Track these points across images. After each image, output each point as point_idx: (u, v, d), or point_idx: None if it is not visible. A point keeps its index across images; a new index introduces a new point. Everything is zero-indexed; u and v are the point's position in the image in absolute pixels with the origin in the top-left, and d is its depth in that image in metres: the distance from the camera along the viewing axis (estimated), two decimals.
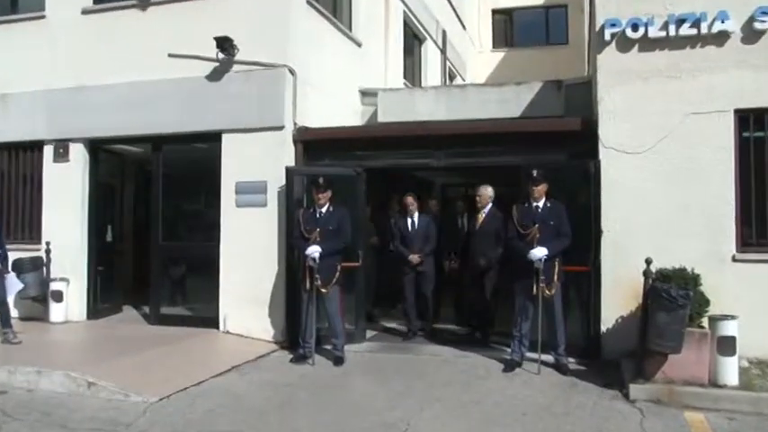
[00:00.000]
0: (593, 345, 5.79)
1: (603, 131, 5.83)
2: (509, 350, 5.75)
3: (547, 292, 5.37)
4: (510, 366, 5.59)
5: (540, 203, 5.52)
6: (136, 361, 5.70)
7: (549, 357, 5.62)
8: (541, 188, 5.50)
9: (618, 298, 5.62)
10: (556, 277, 5.41)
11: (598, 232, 5.79)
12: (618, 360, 5.45)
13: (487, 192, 6.45)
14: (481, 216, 6.47)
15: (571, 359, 5.67)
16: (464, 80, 13.73)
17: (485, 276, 6.45)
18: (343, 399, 4.97)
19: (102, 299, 7.81)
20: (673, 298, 4.51)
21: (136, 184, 9.68)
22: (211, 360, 6.03)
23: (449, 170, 7.61)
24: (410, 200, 6.82)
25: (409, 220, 6.77)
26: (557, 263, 5.40)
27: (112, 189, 8.34)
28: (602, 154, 5.82)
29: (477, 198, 6.45)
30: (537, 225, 5.43)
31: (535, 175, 5.47)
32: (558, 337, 5.51)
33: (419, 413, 4.56)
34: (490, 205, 6.43)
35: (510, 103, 7.42)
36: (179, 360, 5.89)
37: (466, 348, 6.30)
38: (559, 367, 5.50)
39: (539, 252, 5.36)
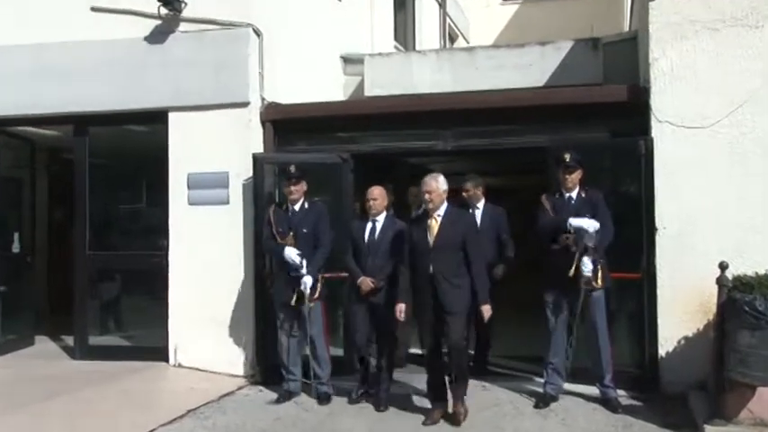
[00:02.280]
0: (648, 373, 5.71)
1: (657, 101, 5.76)
2: (541, 380, 5.64)
3: (595, 283, 5.21)
4: (544, 401, 5.49)
5: (574, 194, 5.45)
6: (57, 409, 5.50)
7: (591, 390, 5.51)
8: (576, 176, 5.43)
9: (680, 313, 5.56)
10: (600, 281, 5.27)
11: (651, 230, 5.72)
12: (683, 393, 5.39)
13: (479, 184, 6.30)
14: (477, 213, 6.30)
15: (621, 392, 5.57)
16: (467, 42, 13.68)
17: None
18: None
19: (7, 328, 7.50)
20: (760, 313, 4.39)
21: (50, 178, 9.40)
22: (160, 403, 5.90)
23: (459, 155, 7.45)
24: (376, 192, 5.68)
25: (369, 225, 5.75)
26: (601, 263, 5.28)
27: (19, 184, 8.07)
28: (656, 130, 5.76)
29: (466, 193, 6.25)
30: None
31: (568, 159, 5.39)
32: (603, 364, 5.41)
33: None
34: (483, 201, 6.30)
35: (532, 69, 7.35)
36: (116, 404, 5.71)
37: (480, 378, 6.17)
38: (608, 402, 5.39)
39: (584, 222, 5.20)
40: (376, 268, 5.53)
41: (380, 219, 5.68)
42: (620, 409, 5.30)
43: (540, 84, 7.34)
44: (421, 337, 5.37)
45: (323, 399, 5.72)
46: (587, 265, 5.19)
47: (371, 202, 5.60)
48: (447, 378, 5.24)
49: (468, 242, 5.07)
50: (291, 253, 5.63)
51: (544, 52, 7.48)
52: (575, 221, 5.26)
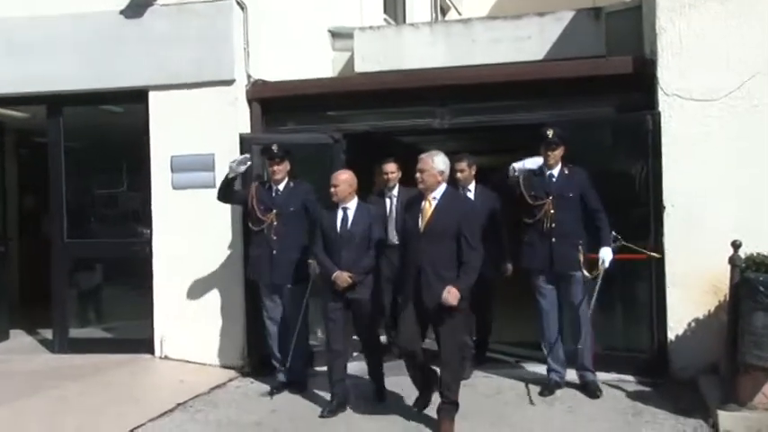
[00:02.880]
0: (657, 358, 5.75)
1: (665, 73, 5.74)
2: (544, 367, 5.69)
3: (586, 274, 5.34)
4: (548, 389, 5.53)
5: (555, 171, 5.50)
6: (38, 405, 5.47)
7: (599, 376, 5.56)
8: (558, 152, 5.47)
9: (690, 295, 5.56)
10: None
11: (659, 209, 5.73)
12: (694, 378, 5.42)
13: (473, 163, 6.03)
14: (469, 196, 5.99)
15: (629, 377, 5.66)
16: (459, 14, 13.59)
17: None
18: None
19: None
20: None
21: (19, 163, 9.28)
22: (147, 396, 5.86)
23: (455, 132, 7.43)
24: (341, 177, 5.30)
25: (339, 213, 5.34)
26: (580, 246, 5.38)
27: None
28: (663, 103, 5.74)
29: (460, 173, 5.95)
30: (551, 198, 5.42)
31: (550, 135, 5.43)
32: (585, 347, 5.48)
33: None
34: (474, 183, 6.08)
35: (531, 42, 7.31)
36: (101, 399, 5.68)
37: (485, 368, 6.22)
38: (586, 386, 5.47)
39: (527, 162, 5.64)
40: (350, 261, 5.19)
41: (351, 206, 5.30)
42: (599, 392, 5.38)
43: (540, 57, 7.30)
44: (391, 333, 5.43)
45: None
46: (607, 254, 5.32)
47: (333, 189, 5.24)
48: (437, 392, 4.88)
49: (463, 230, 4.64)
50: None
51: (543, 23, 7.42)
52: (518, 165, 5.64)
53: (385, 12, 10.28)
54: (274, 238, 5.68)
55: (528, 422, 4.98)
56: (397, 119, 6.85)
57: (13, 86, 6.85)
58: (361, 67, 7.78)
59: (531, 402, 5.33)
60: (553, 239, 5.38)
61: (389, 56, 7.70)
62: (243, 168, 5.81)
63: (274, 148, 5.70)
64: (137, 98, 6.72)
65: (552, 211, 5.40)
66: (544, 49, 7.32)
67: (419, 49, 7.67)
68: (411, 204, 4.93)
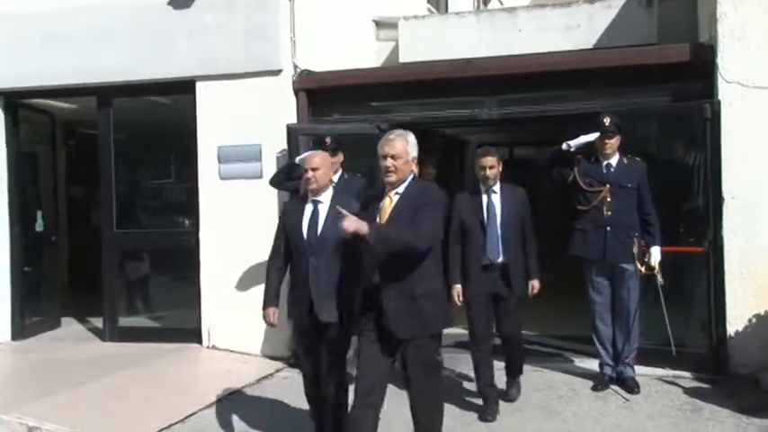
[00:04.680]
0: (715, 354, 5.57)
1: (726, 61, 5.55)
2: (595, 362, 5.57)
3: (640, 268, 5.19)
4: (602, 383, 5.40)
5: (613, 161, 5.33)
6: (92, 393, 5.49)
7: (655, 371, 5.49)
8: (615, 141, 5.32)
9: (751, 289, 5.40)
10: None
11: (718, 200, 5.54)
12: (754, 375, 5.27)
13: (499, 158, 5.06)
14: (495, 198, 5.03)
15: (685, 373, 5.51)
16: (501, 3, 13.37)
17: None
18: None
19: (33, 311, 7.51)
20: None
21: (67, 154, 9.34)
22: (197, 386, 5.83)
23: (503, 123, 7.26)
24: (317, 160, 4.19)
25: (308, 209, 4.16)
26: (635, 238, 5.23)
27: (35, 160, 7.98)
28: (723, 92, 5.54)
29: (488, 172, 4.95)
30: (608, 186, 5.26)
31: (607, 123, 5.26)
32: (630, 342, 5.37)
33: None
34: (499, 182, 5.05)
35: (579, 31, 7.06)
36: (152, 388, 5.68)
37: (533, 360, 6.05)
38: (624, 382, 5.34)
39: (581, 138, 5.28)
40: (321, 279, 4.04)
41: (325, 198, 4.14)
42: (637, 389, 5.26)
43: (589, 46, 7.05)
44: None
45: None
46: (655, 255, 5.20)
47: (310, 175, 4.10)
48: None
49: (420, 215, 3.54)
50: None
51: (593, 11, 7.16)
52: (573, 141, 5.32)
53: (428, 1, 10.15)
54: None
55: (582, 417, 4.88)
56: (443, 109, 6.74)
57: (63, 78, 6.89)
58: (405, 56, 7.62)
59: (626, 399, 5.16)
60: (608, 228, 5.24)
61: (434, 45, 7.51)
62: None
63: (328, 140, 5.58)
64: (184, 89, 6.71)
65: (609, 200, 5.24)
66: (593, 38, 7.07)
67: (464, 39, 7.46)
68: (368, 204, 3.78)
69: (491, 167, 4.94)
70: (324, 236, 4.04)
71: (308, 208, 4.14)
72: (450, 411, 4.39)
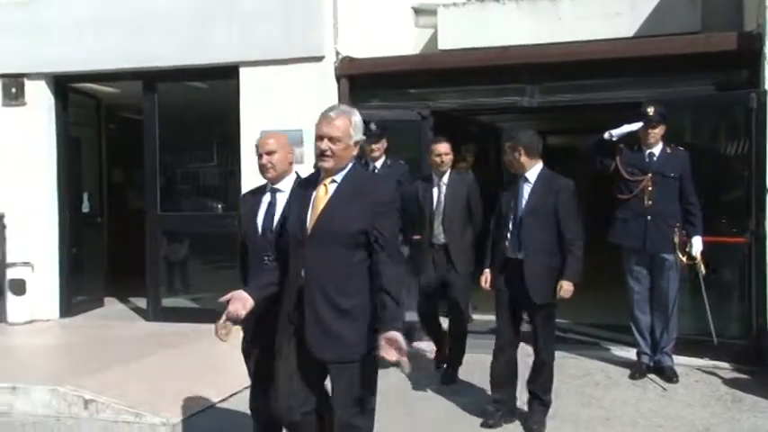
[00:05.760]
0: (756, 345, 5.53)
1: None
2: (631, 350, 5.59)
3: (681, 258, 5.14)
4: (640, 371, 5.41)
5: (656, 150, 5.31)
6: (141, 369, 5.57)
7: (693, 361, 5.47)
8: (659, 131, 5.28)
9: None
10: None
11: (762, 190, 5.47)
12: None
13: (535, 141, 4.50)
14: (526, 187, 4.44)
15: (725, 364, 5.49)
16: None
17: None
18: (424, 410, 4.83)
19: (78, 290, 7.68)
20: None
21: (108, 136, 9.49)
22: (239, 366, 5.77)
23: (544, 111, 7.25)
24: (278, 140, 3.63)
25: (265, 200, 3.61)
26: (676, 228, 5.20)
27: (79, 143, 8.12)
28: None
29: (515, 156, 4.39)
30: (651, 175, 5.23)
31: (651, 113, 5.23)
32: (668, 331, 5.35)
33: None
34: (540, 165, 4.48)
35: (621, 19, 6.96)
36: (197, 366, 5.74)
37: (569, 348, 6.10)
38: (662, 371, 5.35)
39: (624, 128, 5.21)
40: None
41: (285, 186, 3.55)
42: (676, 378, 5.25)
43: (630, 34, 6.96)
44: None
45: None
46: (697, 245, 5.17)
47: (266, 160, 3.53)
48: None
49: (377, 227, 2.91)
50: None
51: (635, 0, 7.11)
52: (615, 131, 5.27)
53: None
54: None
55: (620, 404, 4.89)
56: (484, 97, 6.74)
57: (109, 63, 6.99)
58: (444, 44, 7.59)
59: (664, 388, 5.17)
60: (648, 217, 5.22)
61: (473, 33, 7.47)
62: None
63: (372, 126, 5.60)
64: (228, 74, 6.76)
65: (650, 189, 5.22)
66: (635, 26, 6.98)
67: (504, 26, 7.42)
68: (298, 192, 3.19)
69: (522, 148, 4.37)
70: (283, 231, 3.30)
71: (266, 198, 3.54)
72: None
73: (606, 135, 5.33)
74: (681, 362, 5.47)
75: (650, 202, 5.22)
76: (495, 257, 4.56)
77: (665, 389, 5.14)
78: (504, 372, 4.43)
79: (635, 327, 5.44)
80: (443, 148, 5.27)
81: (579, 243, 4.31)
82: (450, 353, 5.47)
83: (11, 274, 7.20)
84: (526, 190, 4.41)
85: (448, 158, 5.28)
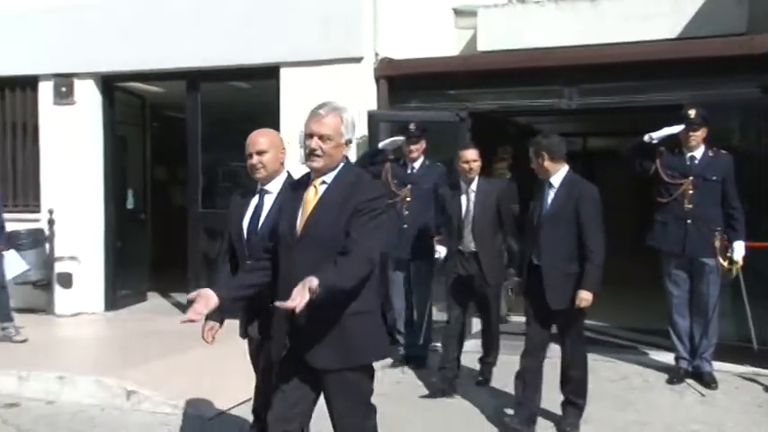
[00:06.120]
0: None
1: None
2: (669, 355, 5.52)
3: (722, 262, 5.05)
4: (678, 376, 5.33)
5: (698, 153, 5.21)
6: (181, 363, 5.65)
7: (733, 367, 5.37)
8: (700, 133, 5.18)
9: None
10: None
11: None
12: None
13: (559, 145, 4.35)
14: (550, 193, 4.32)
15: (765, 371, 5.37)
16: None
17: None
18: (454, 415, 4.77)
19: (123, 284, 7.84)
20: None
21: (152, 135, 9.67)
22: None
23: (583, 113, 7.18)
24: (268, 139, 3.47)
25: (253, 203, 3.47)
26: (717, 232, 5.10)
27: (125, 141, 8.29)
28: None
29: (539, 161, 4.28)
30: (691, 178, 5.14)
31: (693, 115, 5.13)
32: (708, 336, 5.26)
33: None
34: (566, 170, 4.33)
35: (664, 20, 6.89)
36: (236, 361, 5.58)
37: (607, 351, 6.06)
38: (701, 377, 5.26)
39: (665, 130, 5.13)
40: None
41: (274, 188, 3.41)
42: (715, 384, 5.15)
43: (673, 35, 6.89)
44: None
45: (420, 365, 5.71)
46: (739, 250, 5.07)
47: (255, 157, 3.38)
48: None
49: (351, 230, 2.75)
50: None
51: (677, 1, 7.00)
52: (656, 133, 5.19)
53: None
54: (406, 213, 5.67)
55: (657, 409, 4.83)
56: (522, 98, 6.69)
57: (154, 63, 7.12)
58: (484, 45, 7.59)
59: (702, 394, 5.09)
60: (688, 221, 5.14)
61: (513, 34, 7.46)
62: (391, 147, 5.81)
63: (412, 127, 5.66)
64: (269, 75, 6.84)
65: (691, 192, 5.14)
66: (678, 28, 6.90)
67: (544, 28, 7.39)
68: (288, 194, 3.06)
69: (546, 152, 4.26)
70: (265, 234, 3.20)
71: (254, 201, 3.40)
72: None
73: (646, 138, 5.26)
74: (720, 368, 5.37)
75: (690, 206, 5.14)
76: (523, 264, 4.50)
77: (703, 395, 5.05)
78: (528, 376, 4.34)
79: (673, 331, 5.37)
80: (471, 154, 5.06)
81: (599, 250, 4.18)
82: (485, 357, 5.47)
83: (59, 267, 7.40)
84: (550, 195, 4.32)
85: (476, 165, 5.07)
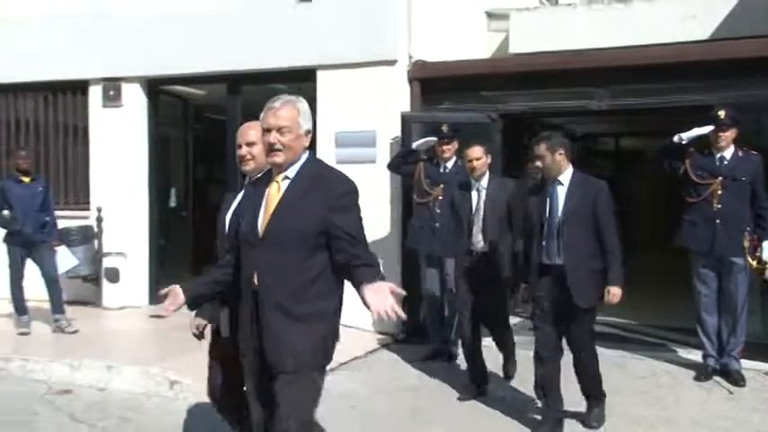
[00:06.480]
0: None
1: None
2: (697, 352, 5.55)
3: (751, 262, 5.04)
4: (705, 374, 5.35)
5: (727, 154, 5.21)
6: None
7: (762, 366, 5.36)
8: (730, 134, 5.19)
9: None
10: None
11: None
12: None
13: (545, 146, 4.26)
14: (560, 191, 4.27)
15: None
16: None
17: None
18: (483, 409, 4.84)
19: (166, 279, 7.95)
20: None
21: (194, 136, 9.90)
22: None
23: (613, 114, 7.21)
24: (257, 132, 3.19)
25: (238, 198, 3.38)
26: (746, 232, 5.10)
27: (167, 142, 8.52)
28: None
29: (554, 157, 4.22)
30: (720, 179, 5.15)
31: (723, 116, 5.15)
32: (737, 334, 5.27)
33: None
34: (572, 169, 4.33)
35: (696, 21, 6.92)
36: None
37: (634, 348, 6.12)
38: (729, 375, 5.26)
39: (694, 131, 5.11)
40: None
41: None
42: (743, 382, 5.16)
43: (705, 37, 6.90)
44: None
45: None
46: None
47: (244, 148, 3.29)
48: None
49: (340, 230, 2.67)
50: None
51: (710, 2, 7.00)
52: (685, 134, 5.20)
53: None
54: (438, 211, 5.77)
55: (684, 405, 4.87)
56: (553, 100, 6.71)
57: (196, 67, 7.31)
58: (516, 47, 7.67)
59: (729, 391, 5.11)
60: (717, 221, 5.15)
61: (545, 36, 7.53)
62: (424, 147, 5.96)
63: (445, 128, 5.77)
64: (306, 77, 6.94)
65: (720, 192, 5.15)
66: (710, 29, 6.90)
67: (575, 30, 7.45)
68: (250, 191, 2.97)
69: (540, 158, 4.25)
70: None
71: (240, 195, 3.25)
72: None
73: (676, 138, 5.29)
74: (748, 366, 5.37)
75: (719, 206, 5.16)
76: (530, 267, 4.36)
77: (730, 392, 5.07)
78: (547, 384, 4.30)
79: (701, 329, 5.38)
80: (473, 153, 5.01)
81: (618, 245, 4.20)
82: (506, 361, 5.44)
83: (106, 262, 7.64)
84: (561, 194, 4.24)
85: (479, 163, 4.98)
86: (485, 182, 5.04)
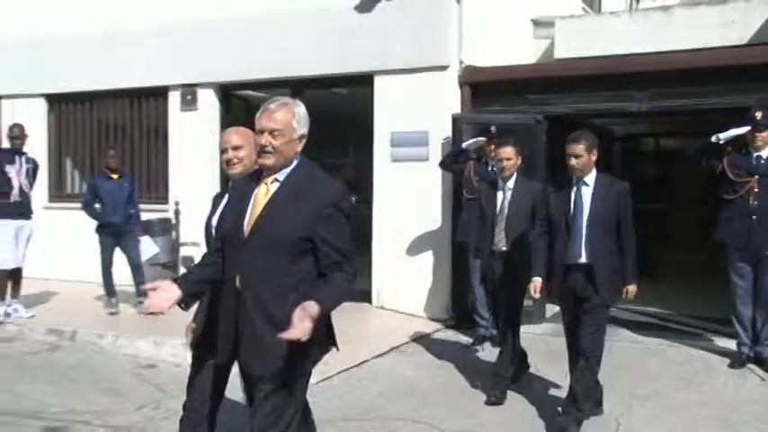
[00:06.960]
0: None
1: None
2: (731, 341, 5.58)
3: None
4: (739, 361, 5.40)
5: (764, 153, 5.27)
6: None
7: None
8: (766, 134, 5.24)
9: None
10: None
11: None
12: None
13: (583, 146, 4.10)
14: (585, 191, 4.12)
15: None
16: (654, 0, 12.91)
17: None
18: (526, 389, 4.96)
19: None
20: None
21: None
22: (369, 338, 6.28)
23: (653, 116, 7.24)
24: (244, 136, 3.13)
25: (225, 200, 3.17)
26: None
27: None
28: None
29: (589, 156, 4.07)
30: (757, 177, 5.20)
31: (759, 117, 5.19)
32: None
33: (628, 410, 4.52)
34: (594, 171, 4.16)
35: (735, 27, 6.86)
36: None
37: (672, 336, 6.19)
38: (763, 362, 5.29)
39: (731, 131, 5.17)
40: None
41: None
42: None
43: (743, 42, 6.86)
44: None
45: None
46: None
47: (230, 152, 3.09)
48: None
49: (322, 240, 2.54)
50: None
51: (748, 8, 6.93)
52: (723, 134, 5.24)
53: (582, 1, 10.04)
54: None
55: (717, 390, 4.93)
56: (595, 102, 6.77)
57: (261, 73, 7.56)
58: (561, 53, 7.71)
59: (762, 378, 5.16)
60: (753, 217, 5.22)
61: (589, 43, 7.54)
62: (473, 147, 6.12)
63: (493, 128, 5.89)
64: (364, 82, 7.14)
65: (756, 190, 5.21)
66: (748, 34, 6.85)
67: (617, 37, 7.47)
68: (237, 190, 2.77)
69: (577, 157, 4.05)
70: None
71: (226, 197, 3.02)
72: None
73: (713, 138, 5.36)
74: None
75: (755, 203, 5.21)
76: (552, 265, 4.24)
77: (763, 379, 5.12)
78: (580, 390, 4.15)
79: (737, 319, 5.43)
80: (504, 153, 4.81)
81: (635, 244, 4.16)
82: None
83: (183, 251, 7.96)
84: (586, 194, 4.12)
85: (509, 164, 4.78)
86: (511, 183, 4.83)
